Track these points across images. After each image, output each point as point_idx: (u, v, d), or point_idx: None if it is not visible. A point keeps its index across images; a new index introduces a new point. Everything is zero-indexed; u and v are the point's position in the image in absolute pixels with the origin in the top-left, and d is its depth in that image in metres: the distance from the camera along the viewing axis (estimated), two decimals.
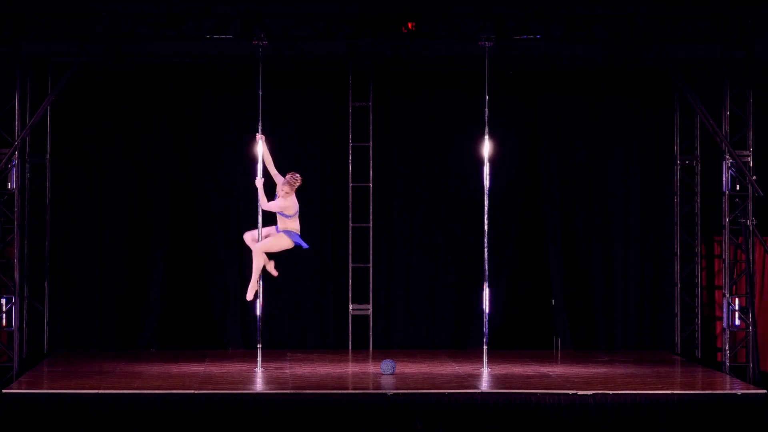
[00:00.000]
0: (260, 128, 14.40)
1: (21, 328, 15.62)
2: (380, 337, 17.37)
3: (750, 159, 15.55)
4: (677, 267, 17.15)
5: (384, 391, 13.07)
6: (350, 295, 17.28)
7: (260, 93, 14.74)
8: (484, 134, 15.01)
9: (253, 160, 14.39)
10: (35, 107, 15.65)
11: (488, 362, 14.86)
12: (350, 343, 17.27)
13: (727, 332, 15.69)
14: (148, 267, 17.09)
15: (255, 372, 14.63)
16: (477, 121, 15.42)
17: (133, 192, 17.16)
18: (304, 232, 17.18)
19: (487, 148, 15.03)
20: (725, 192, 15.61)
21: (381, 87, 17.22)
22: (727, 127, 15.59)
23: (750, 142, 15.59)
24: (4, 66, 15.50)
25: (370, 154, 17.21)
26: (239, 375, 14.46)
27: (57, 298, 16.96)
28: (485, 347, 14.98)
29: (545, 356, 16.44)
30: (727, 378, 14.79)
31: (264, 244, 14.30)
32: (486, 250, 15.08)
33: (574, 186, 17.46)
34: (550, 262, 17.33)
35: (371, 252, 17.24)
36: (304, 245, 14.31)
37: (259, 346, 14.95)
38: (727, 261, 15.75)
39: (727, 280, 15.77)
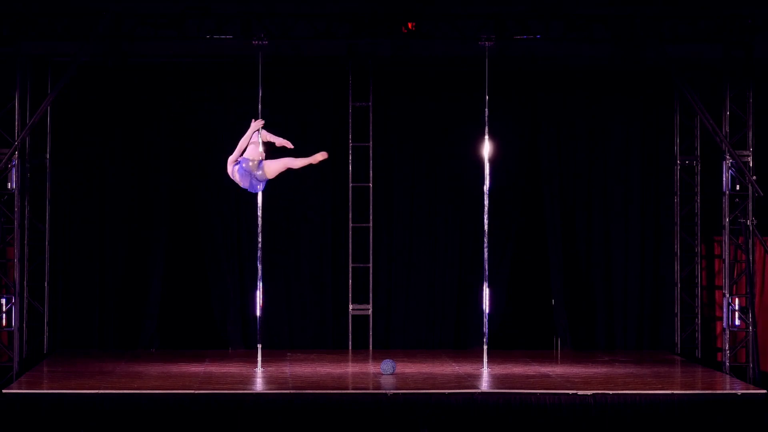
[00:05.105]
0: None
1: (21, 328, 15.61)
2: (380, 337, 17.37)
3: (750, 159, 15.55)
4: (677, 267, 17.15)
5: (384, 391, 13.07)
6: (350, 295, 17.28)
7: (260, 93, 14.77)
8: (484, 134, 15.03)
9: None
10: (35, 107, 15.64)
11: (488, 362, 14.88)
12: (350, 343, 17.27)
13: (727, 332, 15.69)
14: (148, 267, 17.09)
15: (255, 372, 14.63)
16: (477, 121, 15.44)
17: (133, 192, 17.16)
18: (306, 232, 17.33)
19: (487, 148, 15.05)
20: (725, 192, 15.61)
21: (381, 87, 17.22)
22: (727, 127, 15.59)
23: (750, 142, 15.59)
24: (4, 66, 15.49)
25: (370, 154, 17.22)
26: (239, 375, 14.46)
27: (57, 298, 16.96)
28: (485, 347, 14.99)
29: (545, 356, 16.44)
30: (727, 378, 14.79)
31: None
32: (486, 250, 15.10)
33: (574, 186, 17.46)
34: (550, 262, 17.33)
35: (371, 252, 17.24)
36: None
37: (259, 346, 14.97)
38: (727, 261, 15.74)
39: (727, 280, 15.77)
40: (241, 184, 13.48)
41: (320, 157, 13.55)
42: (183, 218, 17.27)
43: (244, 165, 13.25)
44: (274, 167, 13.49)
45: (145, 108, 17.15)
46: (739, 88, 15.62)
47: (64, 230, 17.07)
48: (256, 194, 14.66)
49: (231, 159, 13.45)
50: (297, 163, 13.59)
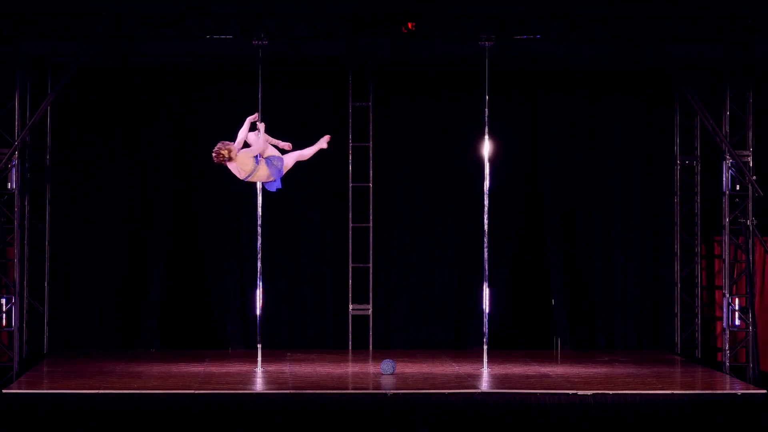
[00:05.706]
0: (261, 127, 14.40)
1: (21, 328, 15.62)
2: (380, 337, 17.38)
3: (750, 159, 15.56)
4: (677, 267, 17.15)
5: (384, 391, 13.07)
6: (350, 295, 17.28)
7: (260, 93, 14.76)
8: (484, 134, 15.03)
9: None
10: (35, 107, 15.64)
11: (488, 362, 14.88)
12: (350, 343, 17.27)
13: (727, 332, 15.69)
14: (148, 267, 17.09)
15: (255, 372, 14.63)
16: (477, 121, 15.44)
17: (133, 192, 17.17)
18: (306, 232, 17.33)
19: (487, 148, 15.05)
20: (725, 192, 15.61)
21: (381, 87, 17.22)
22: (727, 127, 15.60)
23: (750, 142, 15.59)
24: (4, 66, 15.50)
25: (370, 154, 17.22)
26: (239, 375, 14.46)
27: (57, 298, 16.96)
28: (485, 347, 15.00)
29: (545, 356, 16.44)
30: (727, 378, 14.79)
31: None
32: (486, 250, 15.10)
33: (574, 186, 17.47)
34: (550, 262, 17.33)
35: (371, 252, 17.25)
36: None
37: (259, 346, 14.97)
38: (727, 261, 15.75)
39: (727, 280, 15.77)
40: (254, 179, 13.31)
41: (326, 139, 13.49)
42: (183, 218, 17.27)
43: (276, 164, 13.18)
44: (287, 162, 13.50)
45: (145, 108, 17.15)
46: (739, 88, 15.62)
47: (64, 230, 17.07)
48: (256, 194, 14.62)
49: (239, 149, 13.25)
50: (306, 153, 13.52)
